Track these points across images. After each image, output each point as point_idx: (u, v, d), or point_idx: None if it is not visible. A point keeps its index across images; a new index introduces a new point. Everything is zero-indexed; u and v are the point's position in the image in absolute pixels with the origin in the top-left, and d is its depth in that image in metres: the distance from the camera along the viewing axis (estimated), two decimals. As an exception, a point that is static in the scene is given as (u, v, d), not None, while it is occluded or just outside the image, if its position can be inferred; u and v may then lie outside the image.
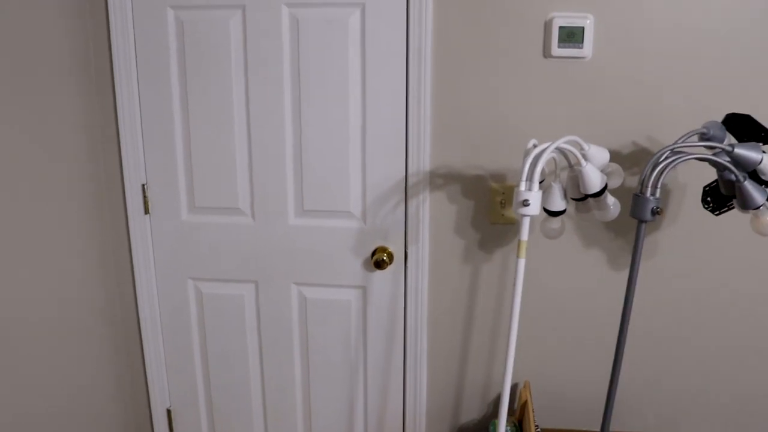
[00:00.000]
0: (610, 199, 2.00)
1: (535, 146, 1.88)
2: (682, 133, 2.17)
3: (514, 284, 1.85)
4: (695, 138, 1.95)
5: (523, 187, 1.81)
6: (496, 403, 2.50)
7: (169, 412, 2.66)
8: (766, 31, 2.07)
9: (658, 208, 1.83)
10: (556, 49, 2.15)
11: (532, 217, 2.29)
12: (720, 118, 2.14)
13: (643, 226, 1.84)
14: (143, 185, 2.41)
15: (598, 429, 2.49)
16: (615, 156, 2.20)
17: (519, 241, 1.83)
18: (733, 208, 2.03)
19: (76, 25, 2.26)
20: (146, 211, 2.44)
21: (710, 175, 2.18)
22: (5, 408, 2.04)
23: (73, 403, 2.33)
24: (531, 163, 1.82)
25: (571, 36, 2.14)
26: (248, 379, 2.58)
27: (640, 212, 1.84)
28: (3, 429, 2.04)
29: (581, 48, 2.14)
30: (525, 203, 1.80)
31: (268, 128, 2.31)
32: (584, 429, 2.47)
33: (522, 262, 1.84)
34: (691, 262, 2.28)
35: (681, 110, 2.15)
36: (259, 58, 2.25)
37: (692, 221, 2.24)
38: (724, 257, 2.27)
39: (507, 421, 2.36)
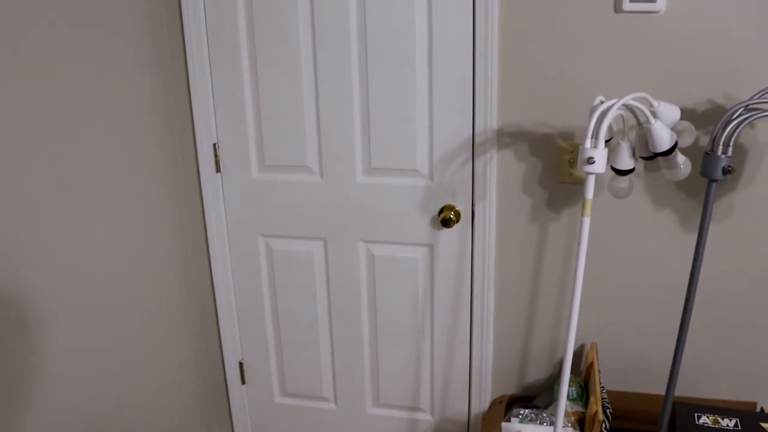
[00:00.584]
0: (681, 158, 1.94)
1: (602, 103, 1.84)
2: (760, 88, 2.08)
3: (579, 243, 1.83)
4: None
5: (588, 144, 1.78)
6: (562, 363, 2.48)
7: (241, 365, 2.75)
8: None
9: (729, 167, 1.77)
10: (627, 3, 2.09)
11: (600, 176, 2.25)
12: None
13: (714, 185, 1.79)
14: (215, 144, 2.47)
15: (660, 392, 2.45)
16: (688, 114, 2.14)
17: (584, 200, 1.81)
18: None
19: (149, -13, 2.31)
20: (218, 170, 2.50)
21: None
22: (88, 351, 2.14)
23: (150, 350, 2.42)
24: (597, 120, 1.78)
25: (644, -11, 2.08)
26: (317, 335, 2.63)
27: (711, 171, 1.79)
28: (85, 370, 2.14)
29: (654, 2, 2.07)
30: (590, 161, 1.77)
31: (335, 87, 2.32)
32: (651, 392, 2.44)
33: (587, 220, 1.81)
34: (754, 225, 2.21)
35: (760, 66, 2.07)
36: (327, 17, 2.26)
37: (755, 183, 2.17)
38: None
39: (573, 381, 2.35)
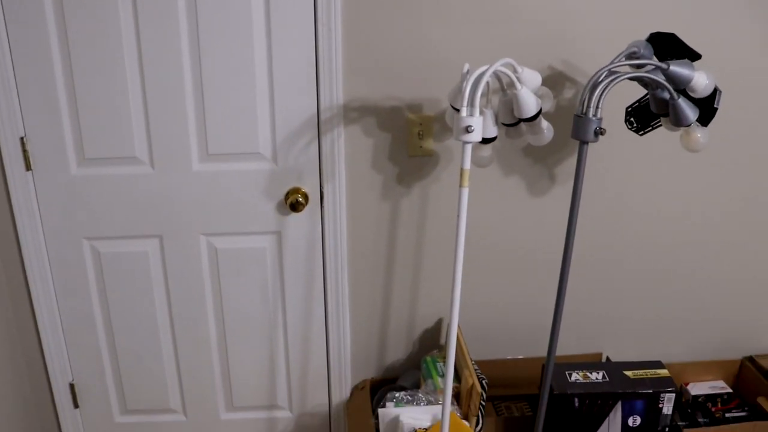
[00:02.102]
0: (544, 123, 1.95)
1: (468, 72, 1.80)
2: (600, 56, 2.14)
3: (458, 215, 1.77)
4: (626, 58, 1.93)
5: (465, 112, 1.72)
6: (422, 339, 2.45)
7: (72, 386, 2.44)
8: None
9: (600, 128, 1.79)
10: (469, -29, 2.06)
11: (451, 145, 2.22)
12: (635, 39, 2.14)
13: (586, 147, 1.80)
14: (22, 138, 2.15)
15: (526, 356, 2.50)
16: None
17: (462, 170, 1.75)
18: (657, 127, 2.04)
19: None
20: (28, 167, 2.18)
21: (629, 96, 2.18)
22: None
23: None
24: (471, 87, 1.73)
25: (485, -44, 2.06)
26: (158, 342, 2.39)
27: (583, 133, 1.80)
28: None
29: (495, -32, 2.06)
30: (468, 129, 1.71)
31: (163, 67, 2.09)
32: (514, 357, 2.47)
33: (465, 191, 1.75)
34: (615, 185, 2.30)
35: (594, 32, 2.13)
36: (149, -11, 2.03)
37: (614, 143, 2.25)
38: (646, 180, 2.30)
39: (438, 357, 2.33)
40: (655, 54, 1.94)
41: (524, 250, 2.36)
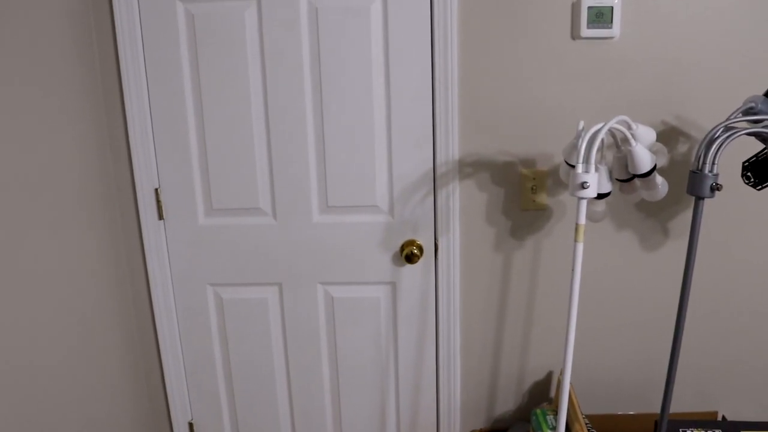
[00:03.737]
0: (659, 179, 1.97)
1: (583, 129, 1.84)
2: (711, 111, 2.15)
3: (573, 269, 1.80)
4: (741, 114, 1.94)
5: (580, 169, 1.76)
6: (532, 392, 2.45)
7: (191, 425, 2.55)
8: (796, 3, 2.08)
9: (717, 184, 1.80)
10: (585, 30, 2.11)
11: (564, 200, 2.25)
12: (749, 94, 2.14)
13: (701, 203, 1.82)
14: (156, 189, 2.30)
15: (637, 411, 2.47)
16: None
17: (576, 225, 1.79)
18: (776, 181, 2.02)
19: (79, 23, 2.13)
20: (160, 217, 2.32)
21: (744, 151, 2.17)
22: (23, 422, 1.91)
23: (90, 419, 2.20)
24: (587, 144, 1.77)
25: (600, 16, 2.11)
26: (274, 386, 2.48)
27: (699, 189, 1.81)
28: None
29: (610, 28, 2.11)
30: (584, 185, 1.75)
31: (287, 123, 2.22)
32: (625, 413, 2.45)
33: (580, 246, 1.79)
34: (729, 238, 2.28)
35: (709, 88, 2.14)
36: (277, 51, 2.16)
37: (729, 198, 2.24)
38: (762, 232, 2.27)
39: (549, 409, 2.33)
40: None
41: (637, 304, 2.35)
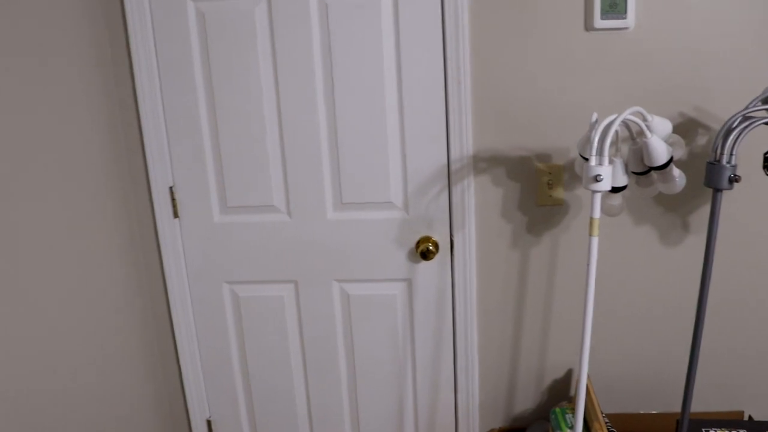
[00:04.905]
0: (676, 171, 1.93)
1: (597, 121, 1.80)
2: (730, 101, 2.10)
3: (588, 264, 1.77)
4: (760, 103, 1.89)
5: (593, 162, 1.73)
6: (551, 390, 2.42)
7: (209, 422, 2.55)
8: (818, -11, 2.02)
9: (735, 175, 1.76)
10: (598, 21, 2.07)
11: (580, 196, 2.22)
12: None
13: (720, 195, 1.77)
14: (171, 187, 2.30)
15: (660, 411, 2.42)
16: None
17: (591, 219, 1.75)
18: (798, 172, 1.97)
19: (92, 24, 2.15)
20: (175, 215, 2.33)
21: (766, 142, 2.12)
22: (44, 419, 1.92)
23: (110, 417, 2.21)
24: (600, 137, 1.74)
25: (614, 6, 2.07)
26: (291, 383, 2.48)
27: (717, 181, 1.77)
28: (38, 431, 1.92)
29: (624, 18, 2.07)
30: (597, 178, 1.72)
31: (300, 121, 2.21)
32: (648, 412, 2.40)
33: (595, 240, 1.76)
34: (753, 232, 2.22)
35: (728, 78, 2.09)
36: (288, 48, 2.15)
37: (751, 190, 2.18)
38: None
39: (567, 408, 2.29)
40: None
41: (658, 301, 2.30)
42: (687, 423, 1.91)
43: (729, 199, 2.19)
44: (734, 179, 1.76)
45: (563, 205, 2.24)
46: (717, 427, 2.05)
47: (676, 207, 2.21)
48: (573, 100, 2.14)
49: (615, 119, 1.74)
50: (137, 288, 2.35)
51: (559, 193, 2.22)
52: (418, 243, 2.28)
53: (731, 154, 1.76)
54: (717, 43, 2.07)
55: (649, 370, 2.37)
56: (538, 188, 2.22)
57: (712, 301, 2.29)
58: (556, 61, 2.12)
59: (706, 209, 2.21)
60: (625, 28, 2.08)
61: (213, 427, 2.56)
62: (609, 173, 1.72)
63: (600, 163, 1.73)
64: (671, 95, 2.11)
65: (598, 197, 1.75)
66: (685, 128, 2.13)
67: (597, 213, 1.75)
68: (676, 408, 2.42)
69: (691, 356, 1.88)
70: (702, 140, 2.15)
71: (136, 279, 2.34)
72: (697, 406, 2.42)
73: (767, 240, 2.22)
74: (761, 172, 2.15)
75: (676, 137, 1.98)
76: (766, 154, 2.00)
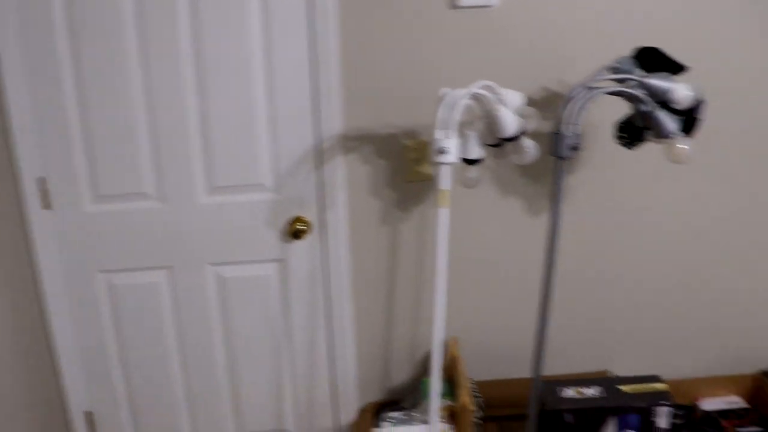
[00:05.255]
0: (527, 142, 2.01)
1: (447, 94, 1.86)
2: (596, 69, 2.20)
3: (437, 234, 1.83)
4: (607, 74, 1.97)
5: (440, 135, 1.79)
6: (425, 361, 2.49)
7: (89, 414, 2.53)
8: (655, -32, 2.13)
9: (576, 144, 1.84)
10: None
11: (452, 167, 2.28)
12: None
13: (562, 163, 1.85)
14: (40, 178, 2.27)
15: (526, 376, 2.51)
16: (528, 102, 2.21)
17: (440, 191, 1.82)
18: (646, 140, 2.07)
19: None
20: (47, 206, 2.30)
21: (621, 112, 2.22)
22: None
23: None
24: (446, 110, 1.80)
25: (477, -16, 2.13)
26: (170, 369, 2.48)
27: (559, 149, 1.85)
28: None
29: (488, -5, 2.13)
30: (443, 151, 1.78)
31: (170, 106, 2.21)
32: (515, 377, 2.49)
33: (444, 211, 1.82)
34: (611, 200, 2.33)
35: (591, 54, 2.19)
36: (156, 32, 2.14)
37: (608, 159, 2.29)
38: (641, 192, 2.33)
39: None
40: (643, 68, 1.98)
41: (525, 270, 2.39)
42: (539, 385, 2.00)
43: (590, 165, 2.28)
44: (575, 147, 1.84)
45: (431, 180, 2.30)
46: (573, 386, 2.15)
47: (540, 178, 2.30)
48: (439, 77, 2.20)
49: (462, 93, 1.80)
50: (5, 282, 2.31)
51: (427, 168, 2.28)
52: (291, 223, 2.31)
53: (572, 124, 1.84)
54: (580, 14, 2.15)
55: (518, 337, 2.47)
56: (406, 165, 2.28)
57: (576, 267, 2.39)
58: (423, 40, 2.18)
59: (570, 179, 2.30)
60: (489, 6, 2.14)
61: (94, 418, 2.54)
62: (455, 146, 1.78)
63: (447, 137, 1.79)
64: (535, 69, 2.20)
65: (445, 170, 1.81)
66: (549, 101, 2.21)
67: (445, 185, 1.81)
68: (547, 372, 2.51)
69: (540, 319, 1.96)
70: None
71: (2, 273, 2.30)
72: (565, 368, 2.52)
73: (628, 206, 2.33)
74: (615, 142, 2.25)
75: (531, 110, 2.06)
76: (618, 123, 2.10)
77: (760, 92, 2.26)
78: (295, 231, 2.28)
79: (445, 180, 1.81)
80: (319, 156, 2.26)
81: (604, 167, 2.29)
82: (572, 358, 2.53)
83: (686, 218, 2.37)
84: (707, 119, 2.23)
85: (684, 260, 2.43)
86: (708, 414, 2.48)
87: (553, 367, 2.52)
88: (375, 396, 2.54)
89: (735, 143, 2.31)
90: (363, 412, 2.51)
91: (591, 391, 2.12)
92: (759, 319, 2.53)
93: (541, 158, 2.25)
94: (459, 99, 1.79)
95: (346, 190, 2.30)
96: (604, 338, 2.50)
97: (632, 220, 2.36)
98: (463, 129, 2.12)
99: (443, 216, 1.83)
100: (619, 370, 2.54)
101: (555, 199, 1.89)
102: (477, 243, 2.36)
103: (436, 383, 1.92)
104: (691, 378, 2.56)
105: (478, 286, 2.40)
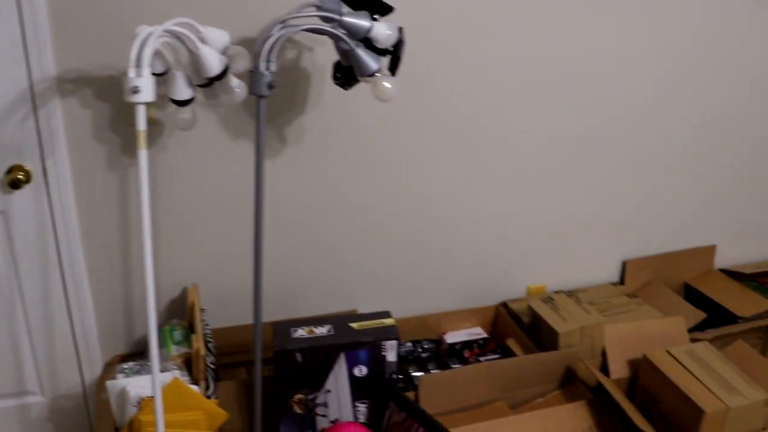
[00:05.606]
0: (234, 82, 1.96)
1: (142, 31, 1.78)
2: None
3: (139, 177, 1.76)
4: (309, 11, 1.95)
5: (132, 73, 1.71)
6: (169, 310, 2.43)
7: None
8: None
9: (272, 82, 1.81)
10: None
11: (170, 110, 2.21)
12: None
13: (262, 102, 1.82)
14: None
15: (268, 320, 2.51)
16: (245, 42, 2.15)
17: (137, 131, 1.74)
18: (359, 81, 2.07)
19: None
20: None
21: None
22: None
23: None
24: (139, 48, 1.72)
25: None
26: None
27: (256, 88, 1.82)
28: None
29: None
30: (135, 90, 1.71)
31: None
32: (264, 322, 2.49)
33: (143, 153, 1.75)
34: (347, 142, 2.33)
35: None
36: None
37: (334, 101, 2.28)
38: (377, 131, 2.35)
39: (178, 325, 2.32)
40: (350, 6, 1.96)
41: (269, 213, 2.37)
42: (260, 325, 1.99)
43: (299, 113, 2.28)
44: (272, 85, 1.82)
45: (157, 124, 2.21)
46: (304, 326, 2.15)
47: (271, 120, 2.26)
48: (150, 13, 2.09)
49: (154, 30, 1.73)
50: None
51: (152, 112, 2.19)
52: (9, 172, 2.17)
53: (270, 61, 1.81)
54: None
55: (268, 282, 2.45)
56: (129, 107, 2.17)
57: (315, 206, 2.40)
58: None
59: (301, 121, 2.28)
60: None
61: None
62: (148, 84, 1.71)
63: (139, 75, 1.71)
64: (247, 6, 2.13)
65: (141, 108, 1.73)
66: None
67: (142, 125, 1.74)
68: (292, 315, 2.53)
69: (255, 260, 1.95)
70: (292, 53, 2.21)
71: None
72: (316, 310, 2.54)
73: (363, 144, 2.35)
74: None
75: (239, 48, 2.00)
76: (334, 63, 2.09)
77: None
78: (13, 180, 2.14)
79: (141, 120, 1.74)
80: (34, 100, 2.12)
81: (335, 110, 2.29)
82: (324, 301, 2.55)
83: (419, 155, 2.42)
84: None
85: (421, 197, 2.48)
86: (452, 346, 2.58)
87: (299, 310, 2.53)
88: (120, 349, 2.46)
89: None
90: (108, 366, 2.44)
91: (322, 330, 2.13)
92: (496, 254, 2.65)
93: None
94: (151, 36, 1.72)
95: (67, 135, 2.18)
96: (352, 280, 2.54)
97: (366, 159, 2.38)
98: (170, 69, 2.04)
99: (143, 158, 1.75)
100: (365, 309, 2.58)
101: (258, 136, 1.86)
102: (204, 187, 2.30)
103: (153, 332, 1.85)
104: (437, 312, 2.64)
105: (216, 231, 2.36)
